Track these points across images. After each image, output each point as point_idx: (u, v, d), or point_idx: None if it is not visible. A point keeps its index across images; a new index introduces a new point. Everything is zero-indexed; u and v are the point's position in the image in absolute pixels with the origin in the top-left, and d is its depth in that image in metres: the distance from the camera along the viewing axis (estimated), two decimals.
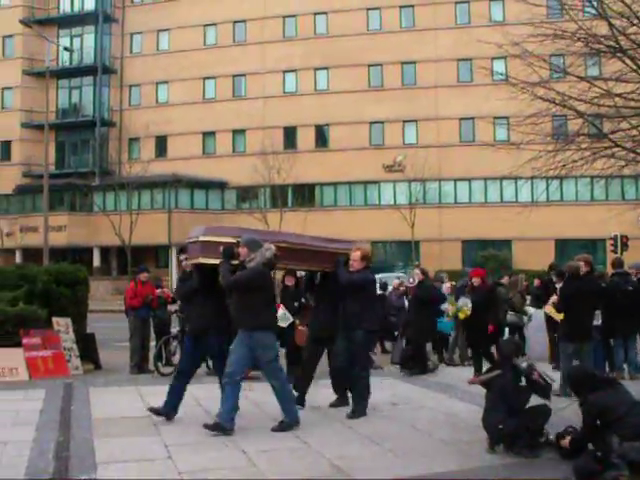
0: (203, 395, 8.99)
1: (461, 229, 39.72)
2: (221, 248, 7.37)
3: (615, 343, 10.93)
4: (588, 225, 36.15)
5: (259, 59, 44.68)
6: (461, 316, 11.57)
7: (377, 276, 10.23)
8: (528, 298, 14.97)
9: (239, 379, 7.26)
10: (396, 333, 13.85)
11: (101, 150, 47.34)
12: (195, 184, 44.40)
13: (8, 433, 7.05)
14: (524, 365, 6.94)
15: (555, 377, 7.78)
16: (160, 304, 12.53)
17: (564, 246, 38.26)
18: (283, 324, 10.56)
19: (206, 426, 6.96)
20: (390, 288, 16.41)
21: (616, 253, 27.91)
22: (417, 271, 12.54)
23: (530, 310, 13.75)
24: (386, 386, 10.15)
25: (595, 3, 9.23)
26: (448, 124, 41.29)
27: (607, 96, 9.29)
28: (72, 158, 49.01)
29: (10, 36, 48.21)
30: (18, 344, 10.74)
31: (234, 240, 7.42)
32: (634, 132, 9.27)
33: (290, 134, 44.19)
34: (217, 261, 7.35)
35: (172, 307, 12.95)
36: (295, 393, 8.27)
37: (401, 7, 43.12)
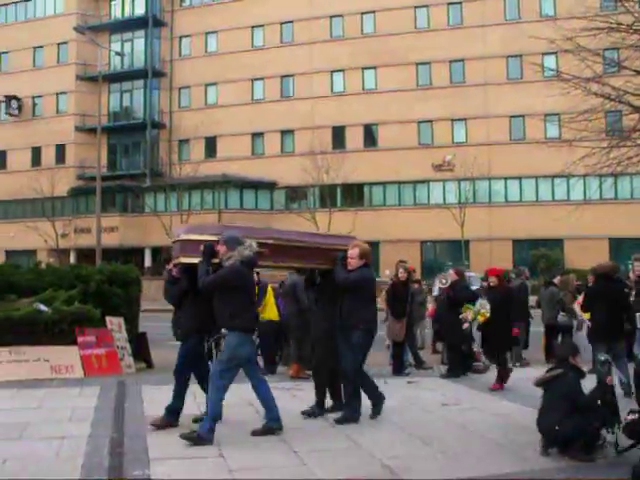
0: (253, 395, 9.01)
1: (512, 228, 39.18)
2: (202, 247, 7.03)
3: None
4: None
5: (307, 59, 44.79)
6: (480, 319, 10.86)
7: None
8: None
9: (228, 382, 6.92)
10: None
11: (152, 152, 48.12)
12: (244, 184, 44.76)
13: (65, 428, 7.20)
14: (602, 358, 6.79)
15: None
16: None
17: (619, 245, 37.39)
18: None
19: (182, 436, 6.62)
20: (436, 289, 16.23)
21: None
22: (451, 272, 12.33)
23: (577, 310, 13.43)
24: (436, 386, 10.07)
25: None
26: (498, 122, 40.75)
27: None
28: (124, 160, 49.97)
29: (64, 43, 49.42)
30: (73, 342, 10.96)
31: (215, 238, 7.08)
32: None
33: (339, 134, 44.19)
34: (198, 260, 7.03)
35: None
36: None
37: (449, 4, 42.77)
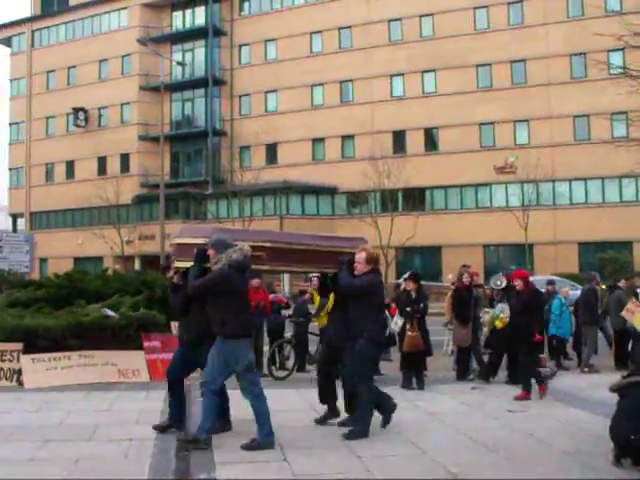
0: (317, 400, 9.06)
1: (577, 231, 38.24)
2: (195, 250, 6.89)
3: None
4: None
5: (365, 64, 44.75)
6: (498, 324, 10.43)
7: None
8: None
9: (215, 389, 6.75)
10: None
11: (213, 159, 48.82)
12: (306, 190, 44.96)
13: (133, 430, 7.37)
14: None
15: None
16: (273, 309, 12.79)
17: None
18: (396, 328, 10.52)
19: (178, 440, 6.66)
20: None
21: None
22: (501, 274, 12.07)
23: None
24: (501, 392, 9.89)
25: None
26: (562, 122, 39.88)
27: None
28: (186, 168, 50.86)
29: (128, 55, 50.68)
30: (139, 347, 11.19)
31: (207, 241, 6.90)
32: None
33: (399, 138, 43.98)
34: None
35: (285, 312, 13.19)
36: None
37: (509, 4, 42.05)
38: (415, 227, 38.06)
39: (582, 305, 13.27)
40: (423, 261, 42.48)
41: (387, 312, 12.41)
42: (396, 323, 10.67)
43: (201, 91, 50.12)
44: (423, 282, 11.60)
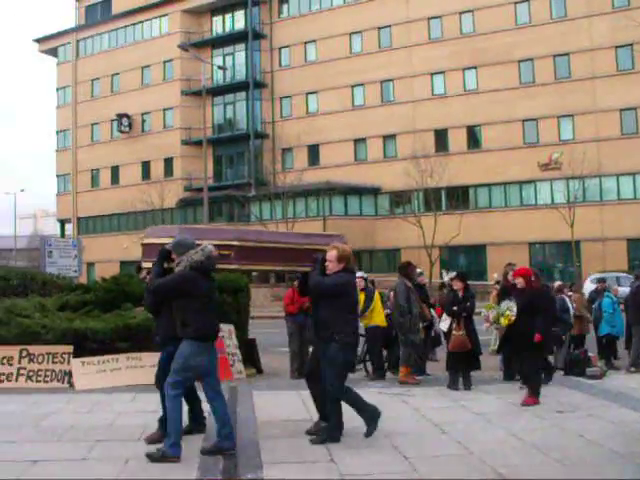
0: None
1: (626, 227, 37.45)
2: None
3: None
4: None
5: (406, 63, 44.56)
6: (504, 322, 9.78)
7: None
8: None
9: (181, 392, 6.55)
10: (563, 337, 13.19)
11: (256, 162, 49.14)
12: (348, 190, 44.94)
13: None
14: None
15: None
16: None
17: None
18: (443, 328, 10.46)
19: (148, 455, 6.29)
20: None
21: None
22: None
23: None
24: (549, 393, 9.72)
25: None
26: (607, 116, 39.09)
27: None
28: (229, 171, 51.30)
29: (170, 60, 51.42)
30: None
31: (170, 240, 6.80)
32: None
33: (441, 136, 43.69)
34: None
35: None
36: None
37: None
38: (459, 226, 37.75)
39: (631, 303, 12.99)
40: (467, 260, 42.13)
41: (433, 312, 12.36)
42: (443, 322, 10.59)
43: (242, 94, 50.51)
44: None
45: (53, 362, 10.71)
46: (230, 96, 51.12)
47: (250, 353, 12.67)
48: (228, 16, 51.66)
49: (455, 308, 10.35)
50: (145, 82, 53.33)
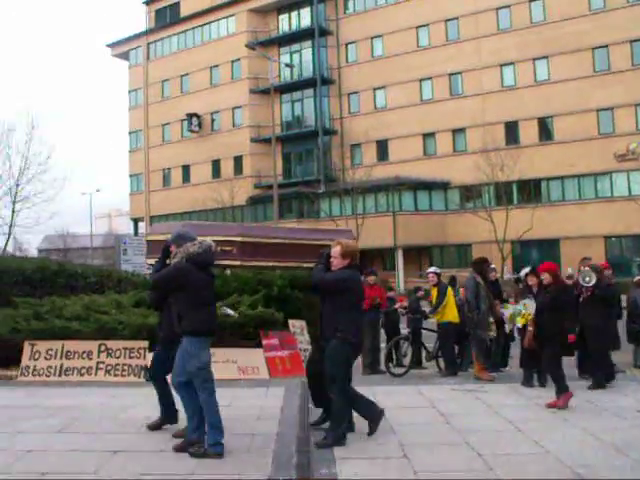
0: (436, 396, 9.02)
1: None
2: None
3: None
4: None
5: (474, 55, 43.89)
6: (520, 321, 9.48)
7: None
8: None
9: (183, 381, 6.43)
10: None
11: (325, 158, 49.28)
12: (418, 185, 44.55)
13: (255, 426, 7.50)
14: None
15: None
16: (391, 306, 12.78)
17: None
18: (517, 324, 10.26)
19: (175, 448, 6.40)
20: None
21: None
22: (589, 269, 11.23)
23: None
24: (629, 391, 9.42)
25: None
26: None
27: None
28: (298, 168, 51.58)
29: (237, 60, 52.06)
30: (258, 345, 11.41)
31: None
32: None
33: (512, 129, 42.85)
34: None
35: (402, 309, 13.13)
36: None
37: None
38: (531, 220, 36.99)
39: None
40: (540, 254, 41.12)
41: (503, 309, 12.09)
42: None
43: (310, 91, 50.71)
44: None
45: (130, 357, 10.99)
46: (298, 93, 51.41)
47: None
48: (294, 14, 51.96)
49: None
50: (214, 82, 54.16)
